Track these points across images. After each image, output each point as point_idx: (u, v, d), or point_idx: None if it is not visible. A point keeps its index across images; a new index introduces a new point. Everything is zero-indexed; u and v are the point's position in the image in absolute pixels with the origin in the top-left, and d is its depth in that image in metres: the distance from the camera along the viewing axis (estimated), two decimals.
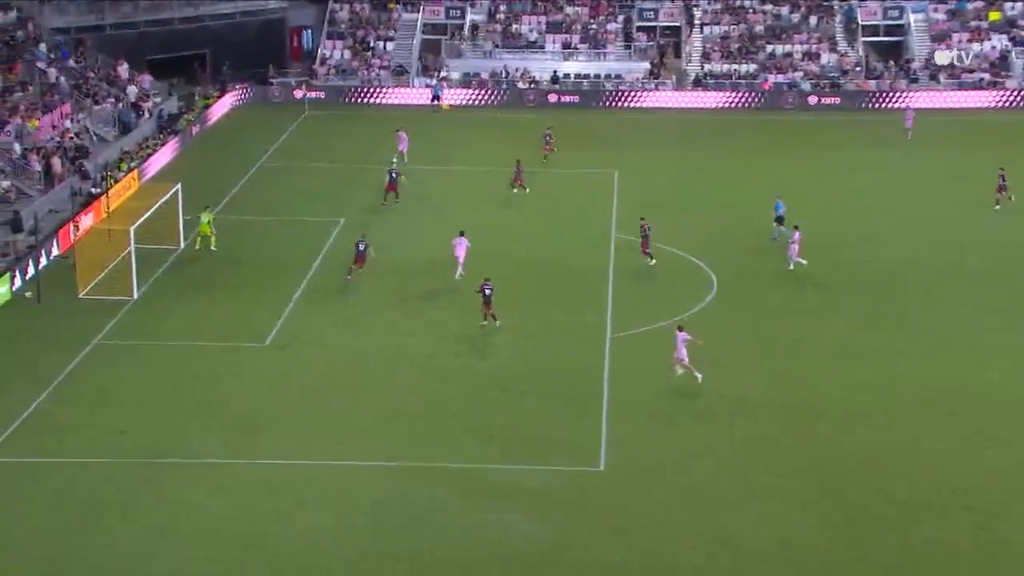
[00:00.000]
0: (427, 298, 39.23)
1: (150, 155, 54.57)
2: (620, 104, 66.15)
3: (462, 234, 40.65)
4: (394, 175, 48.51)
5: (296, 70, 70.57)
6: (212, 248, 42.89)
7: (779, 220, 43.50)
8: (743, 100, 65.85)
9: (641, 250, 41.32)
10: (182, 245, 43.72)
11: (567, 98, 66.51)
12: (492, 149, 57.30)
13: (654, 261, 41.29)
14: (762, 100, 65.73)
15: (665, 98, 66.37)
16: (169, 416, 31.40)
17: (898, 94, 65.21)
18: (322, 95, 66.48)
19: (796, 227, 41.33)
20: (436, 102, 65.42)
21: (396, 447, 29.80)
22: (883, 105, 65.05)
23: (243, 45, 69.53)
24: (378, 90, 67.15)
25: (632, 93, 66.34)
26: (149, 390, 32.91)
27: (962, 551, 25.49)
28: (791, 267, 40.94)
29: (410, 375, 33.90)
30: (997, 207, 47.01)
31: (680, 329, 32.90)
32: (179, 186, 44.23)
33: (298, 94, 65.63)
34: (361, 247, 40.31)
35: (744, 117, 64.26)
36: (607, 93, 66.61)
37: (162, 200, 42.73)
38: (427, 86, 66.51)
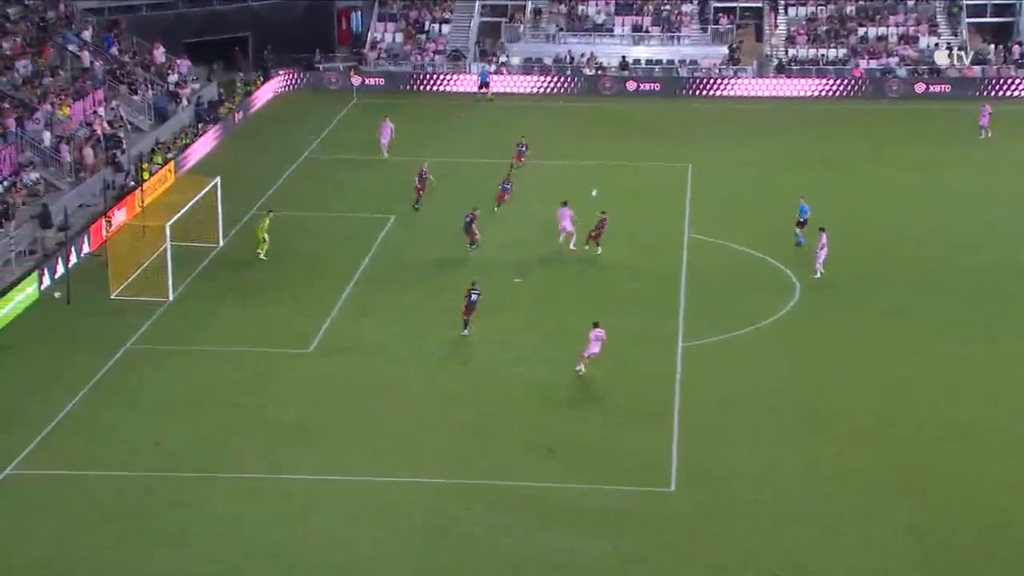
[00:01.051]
0: (487, 302, 39.27)
1: (188, 146, 55.31)
2: (706, 92, 65.61)
3: (565, 204, 42.66)
4: (424, 175, 48.16)
5: (344, 54, 71.08)
6: (259, 255, 42.69)
7: (801, 224, 42.70)
8: (844, 88, 64.98)
9: (589, 235, 42.27)
10: (221, 243, 44.24)
11: (647, 86, 66.14)
12: (563, 141, 57.47)
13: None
14: (865, 88, 64.85)
15: (755, 86, 65.72)
16: (205, 426, 31.78)
17: (1012, 82, 64.03)
18: (381, 81, 66.91)
19: (822, 230, 40.56)
20: (484, 90, 65.42)
21: (450, 462, 29.92)
22: (998, 94, 63.95)
23: (287, 28, 70.02)
24: (441, 76, 67.34)
25: (720, 81, 65.80)
26: (184, 398, 33.33)
27: None
28: (818, 276, 40.25)
29: (466, 384, 34.05)
30: None
31: (597, 325, 33.64)
32: (218, 179, 44.71)
33: (356, 81, 66.18)
34: (467, 219, 42.49)
35: (842, 107, 63.29)
36: (690, 80, 66.07)
37: (200, 194, 43.21)
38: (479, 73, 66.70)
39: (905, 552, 26.23)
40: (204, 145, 56.54)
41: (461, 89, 66.62)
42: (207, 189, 43.76)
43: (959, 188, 50.52)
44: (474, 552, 26.42)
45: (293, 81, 67.41)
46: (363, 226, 46.25)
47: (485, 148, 56.25)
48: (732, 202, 48.65)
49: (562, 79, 66.79)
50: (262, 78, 66.30)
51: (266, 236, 42.81)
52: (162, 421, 31.99)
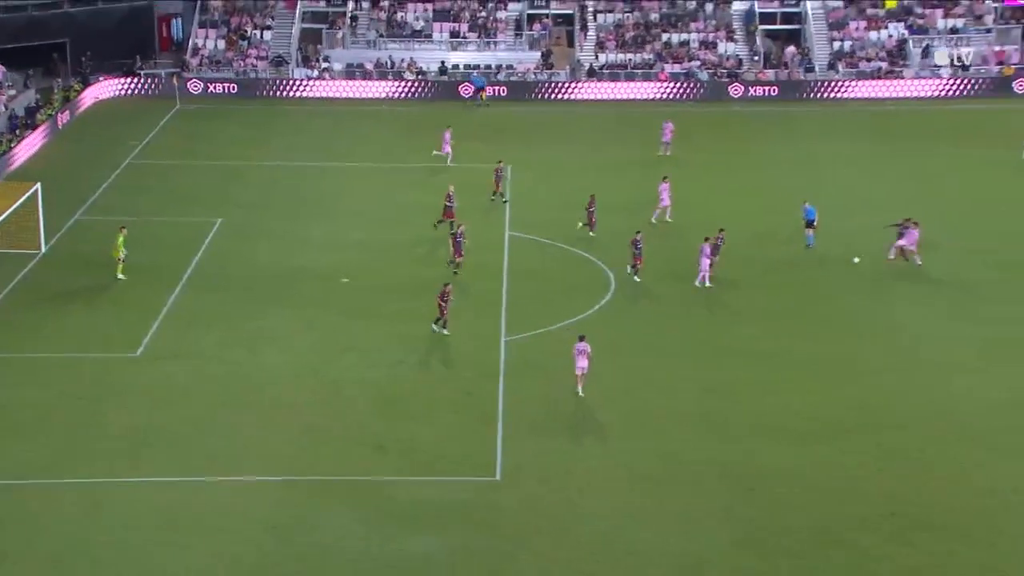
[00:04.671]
0: (313, 305, 38.72)
1: (3, 153, 52.87)
2: (555, 96, 65.88)
3: (665, 179, 45.73)
4: (451, 197, 44.15)
5: (167, 61, 69.21)
6: (118, 276, 39.83)
7: (809, 225, 42.99)
8: (681, 91, 66.14)
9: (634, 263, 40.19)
10: (43, 249, 42.43)
11: (499, 90, 65.75)
12: (391, 144, 57.01)
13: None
14: (702, 91, 66.11)
15: (601, 90, 66.10)
16: (37, 435, 30.41)
17: (835, 84, 66.20)
18: (234, 88, 65.39)
19: (707, 239, 40.27)
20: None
21: (286, 461, 29.30)
22: (821, 95, 65.98)
23: (107, 34, 67.86)
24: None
25: (568, 85, 66.25)
26: (8, 407, 31.76)
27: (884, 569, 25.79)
28: (708, 285, 39.72)
29: (296, 386, 33.32)
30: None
31: (582, 339, 32.48)
32: (38, 186, 42.94)
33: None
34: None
35: (675, 109, 63.52)
36: (540, 85, 66.23)
37: (20, 200, 41.44)
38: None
39: (725, 536, 26.70)
40: (22, 152, 54.16)
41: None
42: (27, 195, 41.97)
43: (767, 185, 51.32)
44: (310, 546, 25.95)
45: (118, 87, 65.33)
46: (189, 231, 44.95)
47: (318, 153, 55.48)
48: (550, 202, 48.91)
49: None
50: (81, 84, 63.93)
51: (122, 254, 39.72)
52: None
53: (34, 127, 56.63)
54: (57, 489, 28.05)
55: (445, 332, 35.88)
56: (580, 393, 32.38)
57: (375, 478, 28.64)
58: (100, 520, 26.92)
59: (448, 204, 44.05)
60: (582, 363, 32.20)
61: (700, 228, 42.56)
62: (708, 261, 39.64)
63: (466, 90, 65.76)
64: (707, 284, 39.74)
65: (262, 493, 28.02)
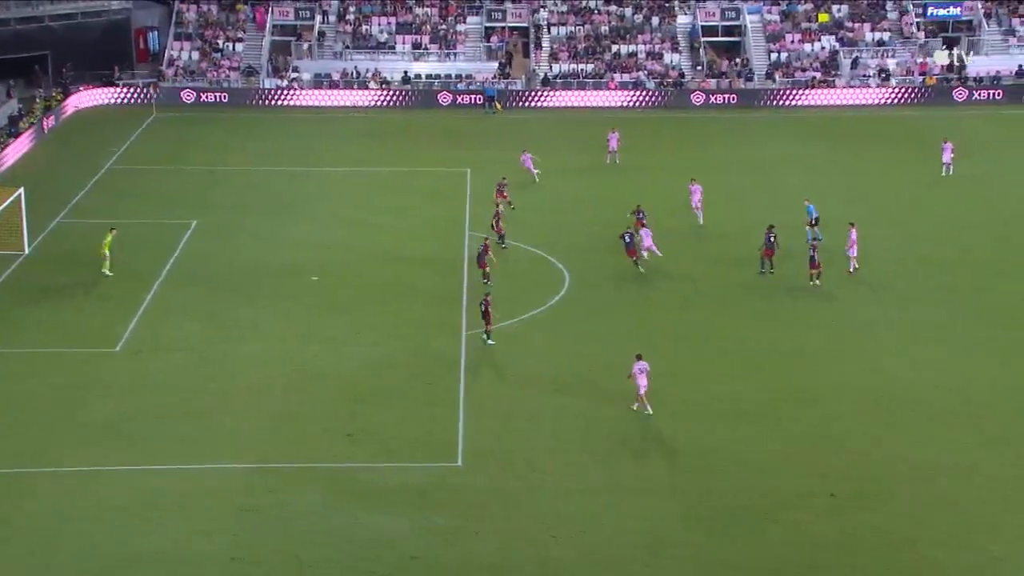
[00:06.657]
0: (286, 300, 38.43)
1: None
2: (512, 104, 65.56)
3: (693, 180, 45.25)
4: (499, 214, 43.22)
5: (144, 71, 68.57)
6: (103, 271, 39.44)
7: (811, 224, 42.71)
8: (640, 100, 66.12)
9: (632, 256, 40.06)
10: (26, 250, 41.83)
11: (476, 99, 65.43)
12: (364, 150, 56.68)
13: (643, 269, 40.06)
14: (666, 99, 66.09)
15: (556, 98, 65.77)
16: (19, 426, 29.98)
17: (788, 93, 66.50)
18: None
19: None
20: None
21: (260, 448, 29.05)
22: (776, 103, 66.19)
23: (86, 46, 67.18)
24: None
25: (540, 93, 66.08)
26: None
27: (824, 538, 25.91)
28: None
29: (268, 378, 33.03)
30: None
31: (639, 358, 30.93)
32: (21, 190, 42.32)
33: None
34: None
35: (635, 115, 63.64)
36: (517, 94, 66.01)
37: (3, 205, 40.84)
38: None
39: (674, 513, 26.75)
40: (8, 158, 53.38)
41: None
42: (11, 199, 41.37)
43: (722, 185, 51.23)
44: (282, 527, 25.76)
45: (97, 97, 64.59)
46: (166, 231, 44.48)
47: (295, 157, 55.00)
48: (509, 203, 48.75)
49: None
50: (62, 94, 63.16)
51: (108, 252, 39.43)
52: None
53: (16, 135, 55.83)
54: (40, 476, 27.65)
55: (491, 342, 34.75)
56: (648, 411, 30.68)
57: (344, 464, 28.45)
58: (82, 503, 26.58)
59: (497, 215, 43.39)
60: (643, 381, 30.57)
61: (666, 228, 42.75)
62: (648, 242, 40.45)
63: (445, 98, 65.58)
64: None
65: (236, 478, 27.75)
